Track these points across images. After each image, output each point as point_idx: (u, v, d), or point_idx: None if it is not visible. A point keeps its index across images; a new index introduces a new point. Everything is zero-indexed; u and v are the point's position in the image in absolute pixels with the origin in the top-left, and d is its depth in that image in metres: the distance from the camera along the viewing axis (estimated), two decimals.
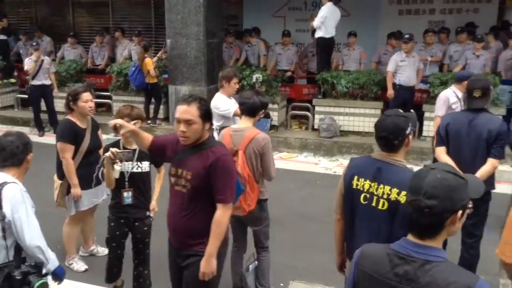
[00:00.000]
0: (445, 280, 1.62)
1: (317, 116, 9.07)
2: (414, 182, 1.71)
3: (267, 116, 8.81)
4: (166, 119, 9.95)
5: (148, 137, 3.10)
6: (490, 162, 3.88)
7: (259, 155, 3.60)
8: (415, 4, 10.90)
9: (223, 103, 5.23)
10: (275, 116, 9.18)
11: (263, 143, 3.58)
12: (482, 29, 9.57)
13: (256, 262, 3.92)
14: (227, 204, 2.85)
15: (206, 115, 2.84)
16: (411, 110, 8.41)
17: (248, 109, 3.68)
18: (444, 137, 4.03)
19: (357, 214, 2.66)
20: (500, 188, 6.79)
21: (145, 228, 3.82)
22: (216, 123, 5.32)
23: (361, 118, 8.80)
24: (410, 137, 2.61)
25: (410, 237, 1.75)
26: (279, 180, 7.19)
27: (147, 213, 3.85)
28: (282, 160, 8.31)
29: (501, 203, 6.31)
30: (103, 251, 4.74)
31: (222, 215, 2.83)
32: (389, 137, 2.56)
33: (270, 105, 8.99)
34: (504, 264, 2.41)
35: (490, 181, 3.97)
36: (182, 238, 2.95)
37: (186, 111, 2.78)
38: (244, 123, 3.73)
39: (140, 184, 3.76)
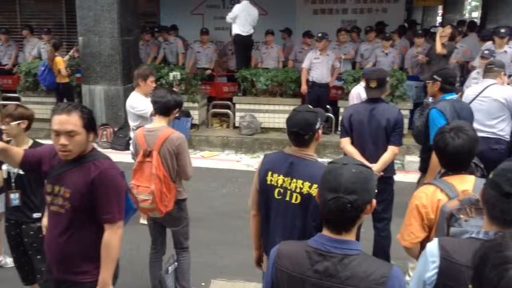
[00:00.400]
0: (364, 272, 1.66)
1: (237, 114, 9.12)
2: (331, 180, 1.72)
3: (188, 115, 8.73)
4: None
5: (18, 153, 2.66)
6: (391, 150, 4.11)
7: (174, 155, 3.54)
8: (328, 3, 11.31)
9: (140, 102, 5.08)
10: (196, 115, 9.10)
11: (178, 142, 3.52)
12: (391, 28, 10.13)
13: (176, 263, 3.86)
14: (116, 223, 2.54)
15: (90, 124, 2.53)
16: (328, 106, 8.82)
17: (162, 108, 3.60)
18: (348, 128, 4.20)
19: (272, 209, 2.70)
20: (410, 177, 7.28)
21: (31, 232, 3.52)
22: (132, 123, 5.18)
23: (281, 115, 8.96)
24: (320, 131, 2.69)
25: (326, 232, 1.76)
26: (201, 179, 7.23)
27: (35, 215, 3.54)
28: (204, 159, 8.27)
29: (411, 191, 6.67)
30: (12, 261, 4.43)
31: (111, 237, 2.52)
32: (300, 132, 2.62)
33: (190, 104, 8.94)
34: (405, 248, 2.56)
35: (391, 167, 4.28)
36: (62, 266, 2.58)
37: (67, 121, 2.44)
38: (158, 123, 3.64)
39: (27, 186, 3.48)
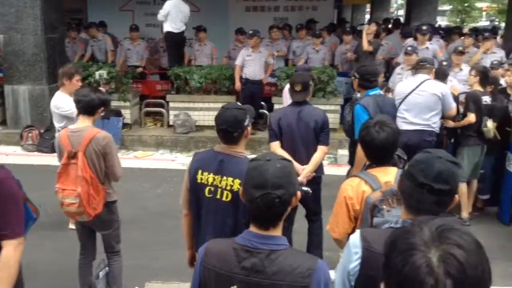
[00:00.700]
0: (291, 266, 1.68)
1: (171, 112, 8.96)
2: (256, 176, 1.72)
3: (119, 114, 8.48)
4: (3, 122, 8.97)
5: None
6: (321, 149, 4.21)
7: (101, 155, 3.41)
8: (260, 1, 11.42)
9: (65, 102, 4.86)
10: (128, 114, 8.84)
11: (104, 142, 3.40)
12: (321, 26, 10.37)
13: (107, 268, 3.73)
14: (16, 238, 2.25)
15: None
16: (262, 103, 8.89)
17: (85, 108, 3.46)
18: (277, 131, 4.18)
19: (203, 208, 2.68)
20: (342, 170, 7.48)
21: None
22: (58, 125, 4.94)
23: (216, 113, 8.61)
24: (249, 128, 2.70)
25: (253, 228, 1.77)
26: (133, 179, 7.05)
27: None
28: (137, 159, 8.06)
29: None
30: None
31: (10, 255, 2.22)
32: (229, 129, 2.61)
33: (122, 103, 8.67)
34: (334, 239, 2.63)
35: (320, 167, 4.37)
36: None
37: None
38: (83, 123, 3.49)
39: None
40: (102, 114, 3.58)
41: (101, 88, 4.91)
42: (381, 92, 4.96)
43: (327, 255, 4.31)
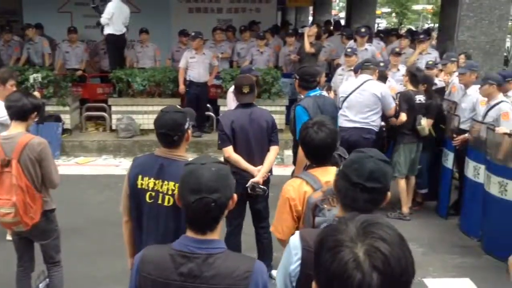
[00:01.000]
0: (228, 269, 1.68)
1: (114, 116, 8.73)
2: (192, 181, 1.71)
3: (58, 119, 8.17)
4: None
5: None
6: (274, 149, 4.26)
7: (37, 162, 3.26)
8: (203, 2, 11.35)
9: None
10: (67, 119, 8.53)
11: (39, 148, 3.26)
12: (264, 28, 10.44)
13: (47, 280, 3.59)
14: None
15: None
16: (208, 105, 8.84)
17: (17, 113, 3.29)
18: (230, 135, 4.10)
19: (144, 214, 2.63)
20: (288, 171, 7.54)
21: None
22: None
23: None
24: (189, 131, 2.67)
25: (189, 233, 1.75)
26: (76, 186, 6.81)
27: None
28: (79, 166, 7.80)
29: None
30: None
31: None
32: (169, 133, 2.58)
33: (61, 108, 8.35)
34: (279, 240, 2.65)
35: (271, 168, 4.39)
36: None
37: None
38: (15, 129, 3.33)
39: None
40: (35, 119, 3.43)
41: (35, 93, 4.71)
42: (323, 92, 5.07)
43: (275, 255, 4.34)
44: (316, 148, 2.59)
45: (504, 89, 5.64)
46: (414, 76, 5.85)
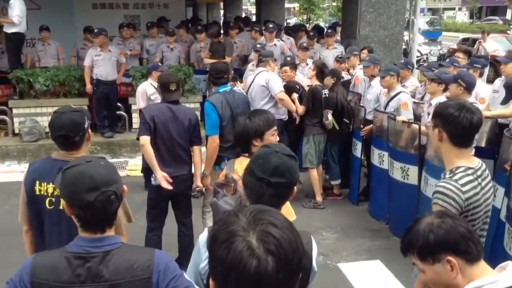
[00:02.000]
0: (128, 262, 1.66)
1: (16, 120, 8.19)
2: (86, 181, 1.66)
3: None
4: None
5: None
6: (197, 150, 4.23)
7: None
8: None
9: None
10: None
11: None
12: (173, 23, 10.27)
13: None
14: None
15: None
16: (118, 104, 8.54)
17: None
18: (152, 127, 4.04)
19: (46, 221, 2.48)
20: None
21: None
22: None
23: None
24: (90, 131, 2.56)
25: (84, 234, 1.70)
26: None
27: None
28: None
29: None
30: None
31: None
32: (69, 134, 2.45)
33: None
34: None
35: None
36: None
37: None
38: None
39: None
40: None
41: None
42: (236, 88, 5.11)
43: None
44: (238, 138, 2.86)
45: (404, 75, 6.03)
46: (321, 71, 6.05)
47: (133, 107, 8.37)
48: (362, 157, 6.24)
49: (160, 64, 6.85)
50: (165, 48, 9.12)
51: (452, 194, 2.22)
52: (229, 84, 4.60)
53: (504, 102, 4.59)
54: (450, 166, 2.36)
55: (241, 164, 2.67)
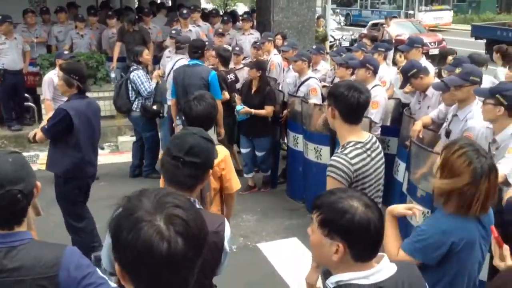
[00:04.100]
0: (34, 259, 1.63)
1: None
2: None
3: None
4: None
5: None
6: None
7: None
8: None
9: None
10: None
11: None
12: (84, 9, 9.80)
13: None
14: None
15: None
16: (26, 95, 8.07)
17: None
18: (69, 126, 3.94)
19: None
20: (125, 157, 7.37)
21: None
22: None
23: None
24: None
25: None
26: None
27: None
28: None
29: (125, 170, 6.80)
30: None
31: None
32: None
33: None
34: None
35: None
36: None
37: None
38: None
39: None
40: None
41: None
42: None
43: None
44: (195, 118, 3.02)
45: (316, 60, 6.27)
46: (221, 56, 6.13)
47: (42, 97, 7.96)
48: (281, 141, 6.42)
49: (65, 52, 6.56)
50: (74, 35, 8.70)
51: (342, 167, 2.47)
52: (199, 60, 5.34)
53: (402, 86, 4.94)
54: (343, 141, 2.60)
55: None
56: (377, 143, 2.68)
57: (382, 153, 2.71)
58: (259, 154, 6.01)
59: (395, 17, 22.19)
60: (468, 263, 2.14)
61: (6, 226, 1.65)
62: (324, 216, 1.56)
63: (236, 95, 6.01)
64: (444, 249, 2.08)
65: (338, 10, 29.26)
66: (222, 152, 3.03)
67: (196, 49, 5.41)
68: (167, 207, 1.13)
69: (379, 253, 1.59)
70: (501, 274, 1.44)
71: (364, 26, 22.40)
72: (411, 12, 26.06)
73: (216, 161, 2.82)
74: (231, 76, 6.04)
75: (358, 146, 2.54)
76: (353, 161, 2.48)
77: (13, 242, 1.64)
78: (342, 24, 25.90)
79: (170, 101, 5.86)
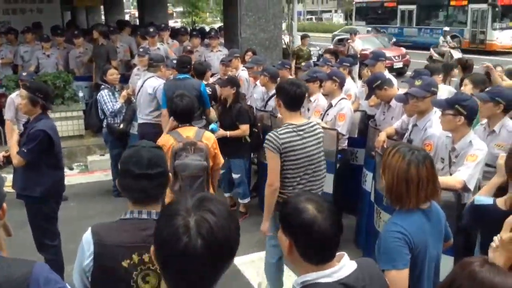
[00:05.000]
0: (4, 276, 1.58)
1: None
2: None
3: None
4: None
5: None
6: None
7: None
8: None
9: None
10: None
11: None
12: (48, 29, 9.75)
13: None
14: None
15: None
16: None
17: None
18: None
19: None
20: (95, 177, 7.31)
21: None
22: None
23: None
24: None
25: None
26: None
27: None
28: None
29: (102, 190, 6.74)
30: None
31: None
32: None
33: None
34: None
35: None
36: None
37: None
38: None
39: None
40: None
41: None
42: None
43: None
44: (180, 113, 3.82)
45: (283, 74, 6.41)
46: (197, 70, 6.17)
47: (6, 117, 7.80)
48: (252, 155, 6.48)
49: (24, 73, 6.53)
50: (40, 55, 8.64)
51: (272, 140, 3.35)
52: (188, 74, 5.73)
53: (367, 97, 5.11)
54: (284, 123, 3.45)
55: (166, 140, 3.72)
56: (316, 129, 3.53)
57: (318, 136, 3.53)
58: (235, 176, 5.74)
59: (456, 36, 19.33)
60: (425, 263, 2.21)
61: None
62: (280, 213, 1.75)
63: (212, 108, 6.00)
64: (404, 244, 2.11)
65: (447, 28, 20.06)
66: (211, 135, 3.90)
67: (185, 64, 5.83)
68: (201, 210, 1.27)
69: (339, 252, 1.71)
70: (452, 273, 1.55)
71: (409, 47, 19.41)
72: (481, 30, 21.24)
73: (210, 143, 3.76)
74: (208, 90, 6.12)
75: (290, 127, 3.40)
76: (281, 137, 3.35)
77: None
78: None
79: (162, 111, 5.67)
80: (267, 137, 3.41)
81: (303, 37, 13.08)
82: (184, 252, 1.21)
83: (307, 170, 3.47)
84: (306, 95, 5.67)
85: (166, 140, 3.71)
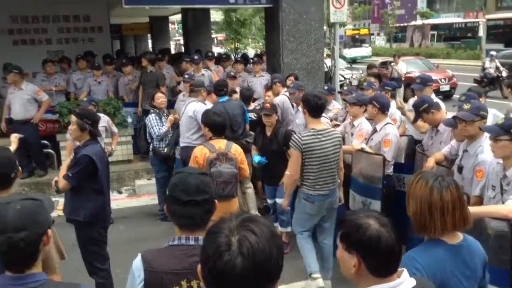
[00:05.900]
0: None
1: None
2: None
3: None
4: None
5: None
6: None
7: None
8: (29, 34, 10.73)
9: None
10: None
11: None
12: (99, 57, 10.18)
13: None
14: None
15: None
16: (45, 142, 8.25)
17: None
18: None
19: None
20: (142, 201, 7.49)
21: None
22: None
23: None
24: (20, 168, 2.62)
25: (8, 272, 1.73)
26: None
27: None
28: None
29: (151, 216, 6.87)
30: None
31: None
32: (6, 171, 2.52)
33: None
34: None
35: None
36: None
37: None
38: None
39: None
40: None
41: None
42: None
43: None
44: (216, 127, 4.49)
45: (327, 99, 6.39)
46: (244, 94, 6.42)
47: (62, 144, 8.11)
48: None
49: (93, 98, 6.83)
50: (92, 82, 9.01)
51: (296, 140, 4.25)
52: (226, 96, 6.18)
53: (414, 121, 5.00)
54: (308, 128, 4.37)
55: (201, 150, 4.37)
56: (333, 134, 4.37)
57: (335, 140, 4.33)
58: (280, 201, 5.24)
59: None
60: None
61: (16, 269, 1.72)
62: (343, 231, 1.75)
63: (251, 144, 5.93)
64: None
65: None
66: (238, 147, 4.54)
67: (221, 87, 6.30)
68: (245, 230, 1.29)
69: (400, 268, 1.74)
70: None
71: None
72: None
73: (237, 153, 4.43)
74: (251, 116, 6.22)
75: (311, 131, 4.28)
76: (303, 138, 4.22)
77: (27, 284, 1.70)
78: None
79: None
80: (292, 137, 4.33)
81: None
82: (224, 269, 1.24)
83: (324, 166, 4.27)
84: (348, 120, 5.76)
85: (199, 150, 4.37)
